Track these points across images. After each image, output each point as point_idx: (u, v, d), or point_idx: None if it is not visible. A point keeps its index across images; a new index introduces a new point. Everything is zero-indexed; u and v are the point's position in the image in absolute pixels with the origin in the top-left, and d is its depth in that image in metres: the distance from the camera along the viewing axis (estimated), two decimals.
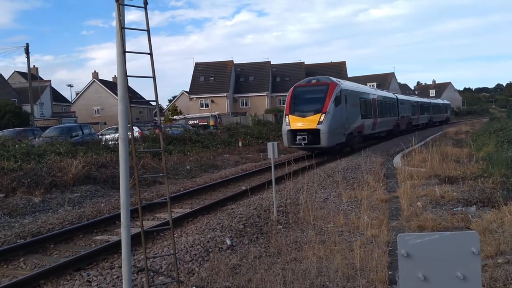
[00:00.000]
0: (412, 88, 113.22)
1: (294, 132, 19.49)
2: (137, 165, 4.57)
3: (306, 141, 19.06)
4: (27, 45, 38.27)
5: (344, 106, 20.29)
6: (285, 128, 20.03)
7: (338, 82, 20.83)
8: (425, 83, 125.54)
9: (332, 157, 18.60)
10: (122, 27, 3.82)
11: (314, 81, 21.30)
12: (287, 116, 20.03)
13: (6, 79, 57.74)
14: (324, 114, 18.88)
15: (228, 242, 7.05)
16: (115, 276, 5.89)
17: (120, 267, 5.68)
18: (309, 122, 19.11)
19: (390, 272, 4.97)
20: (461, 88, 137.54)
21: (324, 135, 18.60)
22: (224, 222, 8.21)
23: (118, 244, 6.32)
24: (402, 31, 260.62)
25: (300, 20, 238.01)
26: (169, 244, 7.20)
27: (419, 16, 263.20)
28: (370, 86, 48.31)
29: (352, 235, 6.90)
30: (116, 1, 3.82)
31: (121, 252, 4.14)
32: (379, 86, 64.53)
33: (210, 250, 6.73)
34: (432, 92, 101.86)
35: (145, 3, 3.91)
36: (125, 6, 3.93)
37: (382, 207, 8.57)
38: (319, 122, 18.78)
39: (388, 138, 28.96)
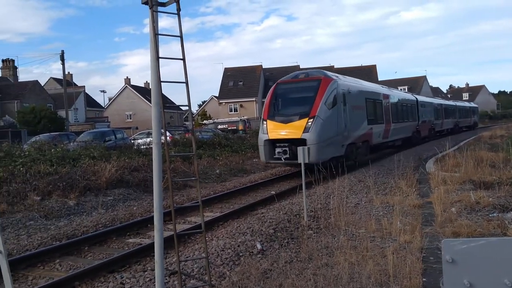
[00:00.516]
0: (445, 91, 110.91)
1: (273, 143, 15.14)
2: (170, 168, 4.67)
3: (287, 155, 14.65)
4: (62, 52, 39.39)
5: (342, 108, 15.91)
6: (261, 137, 15.54)
7: (334, 77, 16.46)
8: (458, 86, 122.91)
9: (364, 162, 17.70)
10: (156, 34, 3.89)
11: (302, 76, 16.68)
12: (264, 122, 15.60)
13: (43, 85, 59.47)
14: (312, 119, 14.55)
15: (259, 246, 7.05)
16: (148, 279, 5.98)
17: (153, 269, 5.77)
18: (292, 129, 14.75)
19: (424, 279, 4.88)
20: (496, 91, 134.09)
21: (311, 147, 12.91)
22: (254, 226, 8.23)
23: (150, 247, 6.44)
24: (433, 34, 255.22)
25: (330, 24, 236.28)
26: (200, 247, 7.26)
27: (450, 18, 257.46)
28: (401, 89, 47.15)
29: (384, 241, 6.79)
30: (150, 8, 3.90)
31: (153, 255, 4.20)
32: (410, 90, 63.43)
33: (241, 254, 6.75)
34: (465, 96, 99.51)
35: (178, 9, 3.97)
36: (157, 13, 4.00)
37: (415, 213, 8.40)
38: (305, 130, 14.44)
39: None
